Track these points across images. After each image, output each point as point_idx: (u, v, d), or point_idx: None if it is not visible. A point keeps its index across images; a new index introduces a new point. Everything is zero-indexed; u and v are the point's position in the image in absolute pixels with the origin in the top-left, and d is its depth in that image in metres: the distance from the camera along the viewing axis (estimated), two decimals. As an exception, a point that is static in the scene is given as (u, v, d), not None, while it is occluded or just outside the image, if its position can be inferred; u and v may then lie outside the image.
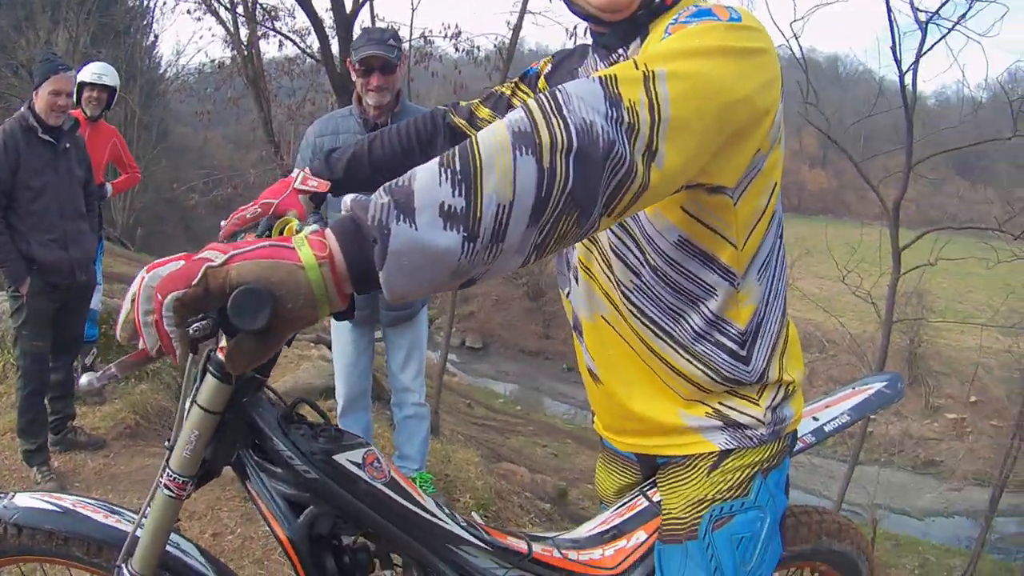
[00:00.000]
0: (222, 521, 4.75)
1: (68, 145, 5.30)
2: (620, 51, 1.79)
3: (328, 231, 1.24)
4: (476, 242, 1.17)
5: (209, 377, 1.65)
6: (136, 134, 30.35)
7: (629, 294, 1.83)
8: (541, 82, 2.20)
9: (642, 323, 1.84)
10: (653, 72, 1.34)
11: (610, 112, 1.28)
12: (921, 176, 11.99)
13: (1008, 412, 23.43)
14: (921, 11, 9.55)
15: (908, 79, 9.98)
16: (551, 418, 22.99)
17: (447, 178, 1.18)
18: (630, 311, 1.84)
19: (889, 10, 9.60)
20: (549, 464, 12.62)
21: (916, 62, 9.90)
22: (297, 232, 1.33)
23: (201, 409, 1.67)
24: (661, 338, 1.83)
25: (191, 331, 1.24)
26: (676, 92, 1.34)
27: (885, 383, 2.80)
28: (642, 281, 1.80)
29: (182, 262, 1.23)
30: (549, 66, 2.20)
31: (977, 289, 35.69)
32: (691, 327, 1.80)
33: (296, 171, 2.23)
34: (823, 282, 29.33)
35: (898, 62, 9.84)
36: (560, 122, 1.23)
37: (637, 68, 1.35)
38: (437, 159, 1.22)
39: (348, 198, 1.24)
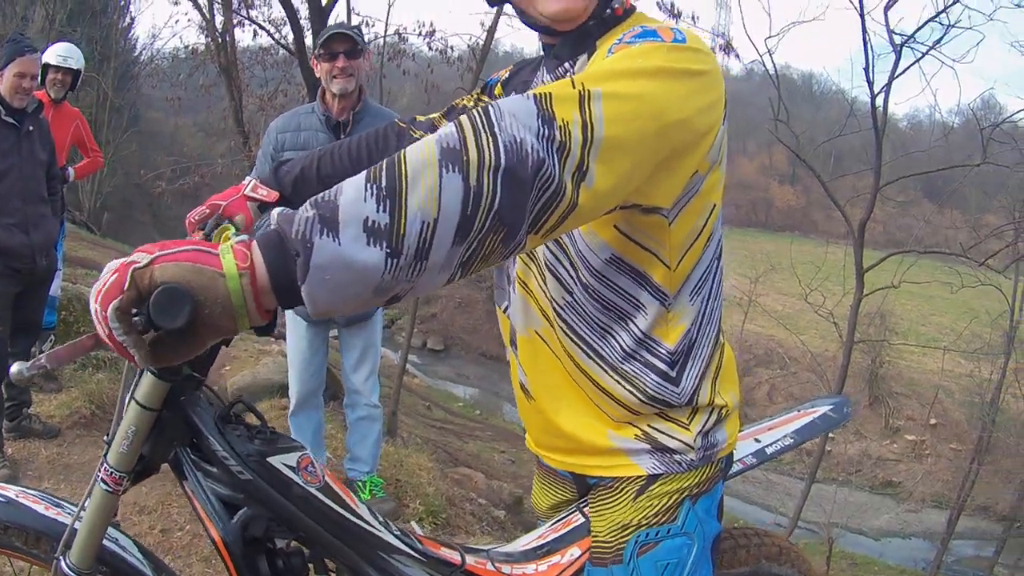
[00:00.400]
0: (172, 517, 4.71)
1: (32, 128, 5.21)
2: (567, 65, 1.79)
3: (254, 243, 1.23)
4: (399, 259, 1.17)
5: (147, 374, 1.66)
6: (108, 117, 30.20)
7: (560, 311, 1.82)
8: (498, 90, 2.18)
9: (572, 341, 1.83)
10: (589, 91, 1.33)
11: (542, 130, 1.26)
12: (889, 199, 12.09)
13: (968, 436, 23.81)
14: (897, 34, 9.65)
15: (880, 101, 10.07)
16: (510, 424, 22.98)
17: (372, 193, 1.17)
18: (561, 328, 1.84)
19: (864, 32, 9.71)
20: (506, 470, 12.62)
21: (888, 84, 10.00)
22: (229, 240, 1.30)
23: (139, 405, 1.67)
24: (590, 357, 1.82)
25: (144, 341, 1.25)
26: (611, 112, 1.33)
27: (831, 406, 2.79)
28: (573, 298, 1.79)
29: (117, 274, 1.22)
30: (507, 74, 2.18)
31: (941, 312, 36.12)
32: (620, 345, 1.79)
33: (248, 178, 2.23)
34: (787, 299, 29.63)
35: (870, 84, 9.94)
36: (490, 139, 1.22)
37: (574, 87, 1.34)
38: (365, 173, 1.21)
39: (276, 211, 1.24)
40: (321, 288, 1.16)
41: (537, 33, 1.85)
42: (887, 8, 9.53)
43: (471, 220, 1.19)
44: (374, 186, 1.18)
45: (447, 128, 1.25)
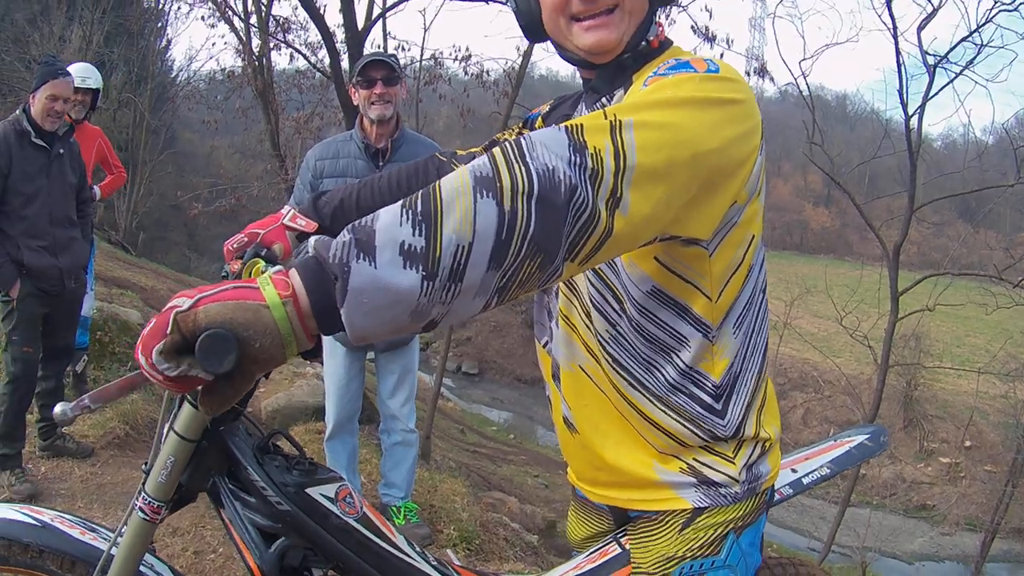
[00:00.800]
0: (205, 539, 4.71)
1: (62, 151, 5.27)
2: (605, 99, 1.84)
3: (292, 270, 1.25)
4: (435, 281, 1.18)
5: (186, 404, 1.68)
6: (144, 138, 30.36)
7: (606, 344, 1.83)
8: (539, 123, 2.19)
9: (618, 373, 1.84)
10: (620, 121, 1.35)
11: (574, 158, 1.28)
12: (923, 220, 12.01)
13: (1003, 458, 23.46)
14: (930, 54, 9.59)
15: (914, 123, 10.01)
16: (544, 448, 22.91)
17: (408, 218, 1.19)
18: (607, 361, 1.84)
19: (898, 53, 9.65)
20: (539, 495, 12.60)
21: (922, 106, 9.94)
22: (263, 273, 1.32)
23: (178, 436, 1.70)
24: (636, 388, 1.83)
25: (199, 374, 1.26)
26: (643, 140, 1.34)
27: (868, 436, 2.79)
28: (618, 331, 1.80)
29: (157, 320, 1.24)
30: (547, 108, 2.20)
31: (976, 333, 35.75)
32: (665, 378, 1.80)
33: (287, 208, 2.25)
34: (822, 321, 29.40)
35: (904, 106, 9.87)
36: (522, 167, 1.24)
37: (605, 118, 1.36)
38: (401, 201, 1.23)
39: (313, 239, 1.28)
40: (359, 311, 1.18)
41: (575, 67, 1.89)
42: (920, 29, 9.48)
43: (506, 245, 1.20)
44: (410, 211, 1.20)
45: (480, 159, 1.27)
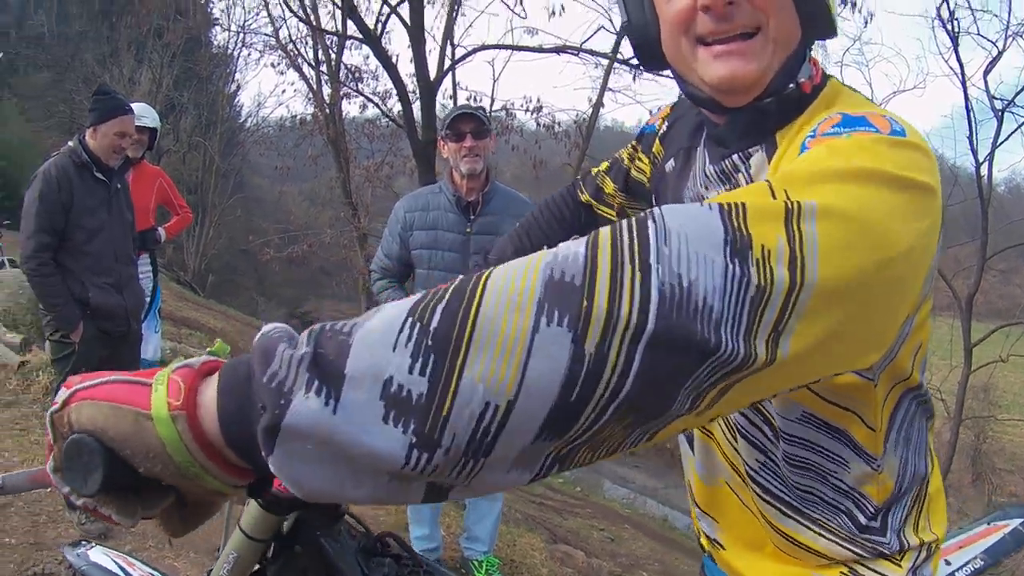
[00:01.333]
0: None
1: (119, 186, 5.07)
2: (736, 156, 1.38)
3: (216, 372, 0.84)
4: (434, 453, 0.72)
5: (253, 500, 1.45)
6: (214, 181, 30.84)
7: (754, 474, 1.50)
8: (656, 145, 1.76)
9: (766, 502, 1.51)
10: (798, 204, 0.88)
11: (730, 267, 0.80)
12: (990, 267, 11.88)
13: (1073, 513, 22.90)
14: (996, 99, 9.54)
15: (983, 169, 9.96)
16: (610, 501, 22.62)
17: (410, 338, 0.73)
18: (755, 490, 1.52)
19: (967, 99, 9.62)
20: (605, 549, 12.49)
21: (992, 152, 9.88)
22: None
23: (242, 533, 1.50)
24: (788, 516, 1.51)
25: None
26: (828, 239, 0.87)
27: (1022, 520, 2.53)
28: (770, 459, 1.47)
29: None
30: (665, 125, 1.75)
31: (1044, 383, 35.04)
32: (821, 499, 1.47)
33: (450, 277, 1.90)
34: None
35: (975, 153, 9.82)
36: (637, 277, 0.76)
37: (774, 196, 0.90)
38: (411, 303, 0.77)
39: (265, 328, 0.81)
40: (297, 464, 0.73)
41: (702, 110, 1.45)
42: (986, 73, 9.47)
43: (576, 408, 0.73)
44: (417, 325, 0.74)
45: (570, 246, 0.79)
